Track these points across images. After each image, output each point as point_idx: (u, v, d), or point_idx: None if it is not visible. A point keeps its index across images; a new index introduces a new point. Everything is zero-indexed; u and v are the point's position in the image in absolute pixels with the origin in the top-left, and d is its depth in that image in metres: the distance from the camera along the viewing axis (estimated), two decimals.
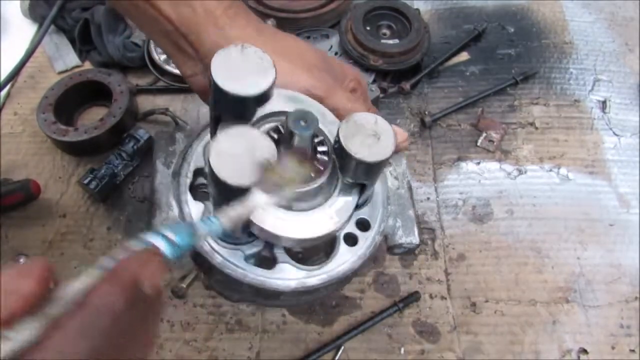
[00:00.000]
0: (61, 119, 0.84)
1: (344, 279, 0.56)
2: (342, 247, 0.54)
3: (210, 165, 0.41)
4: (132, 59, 0.94)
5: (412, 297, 0.73)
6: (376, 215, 0.56)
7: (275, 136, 0.50)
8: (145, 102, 0.92)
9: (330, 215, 0.50)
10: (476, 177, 0.85)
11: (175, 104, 0.92)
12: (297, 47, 0.56)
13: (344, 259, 0.54)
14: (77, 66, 0.97)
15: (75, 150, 0.85)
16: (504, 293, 0.75)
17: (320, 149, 0.51)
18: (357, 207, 0.54)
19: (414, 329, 0.72)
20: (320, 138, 0.52)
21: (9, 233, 0.79)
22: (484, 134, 0.88)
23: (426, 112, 0.90)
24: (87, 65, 0.98)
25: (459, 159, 0.86)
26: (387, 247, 0.60)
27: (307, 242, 0.51)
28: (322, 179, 0.50)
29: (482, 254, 0.78)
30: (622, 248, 0.78)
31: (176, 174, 0.56)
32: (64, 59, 0.97)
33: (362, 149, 0.46)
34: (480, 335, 0.72)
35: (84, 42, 0.96)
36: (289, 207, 0.50)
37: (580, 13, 1.05)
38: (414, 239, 0.58)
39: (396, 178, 0.60)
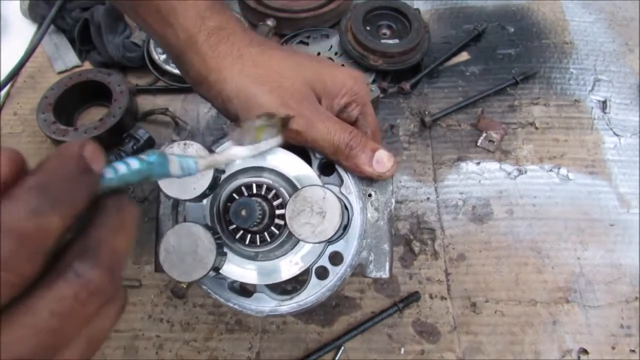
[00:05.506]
0: (61, 119, 0.84)
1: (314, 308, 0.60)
2: (313, 279, 0.57)
3: (159, 265, 0.47)
4: (132, 59, 0.94)
5: (412, 297, 0.73)
6: (350, 249, 0.57)
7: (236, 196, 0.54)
8: (145, 102, 0.92)
9: (295, 261, 0.55)
10: (476, 177, 0.85)
11: (175, 104, 0.92)
12: (278, 74, 0.55)
13: (314, 291, 0.57)
14: (77, 66, 0.97)
15: None
16: (504, 293, 0.75)
17: (278, 212, 0.54)
18: (332, 241, 0.56)
19: (414, 329, 0.72)
20: (279, 201, 0.54)
21: None
22: (484, 134, 0.88)
23: (426, 112, 0.90)
24: (87, 65, 0.98)
25: (459, 159, 0.86)
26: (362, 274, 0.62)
27: (273, 285, 0.56)
28: (277, 242, 0.54)
29: (482, 254, 0.78)
30: (622, 248, 0.78)
31: (175, 205, 0.59)
32: (63, 59, 0.97)
33: (305, 230, 0.49)
34: (480, 335, 0.72)
35: (83, 42, 0.96)
36: (254, 258, 0.55)
37: (580, 13, 1.05)
38: (384, 274, 0.60)
39: (376, 209, 0.60)
